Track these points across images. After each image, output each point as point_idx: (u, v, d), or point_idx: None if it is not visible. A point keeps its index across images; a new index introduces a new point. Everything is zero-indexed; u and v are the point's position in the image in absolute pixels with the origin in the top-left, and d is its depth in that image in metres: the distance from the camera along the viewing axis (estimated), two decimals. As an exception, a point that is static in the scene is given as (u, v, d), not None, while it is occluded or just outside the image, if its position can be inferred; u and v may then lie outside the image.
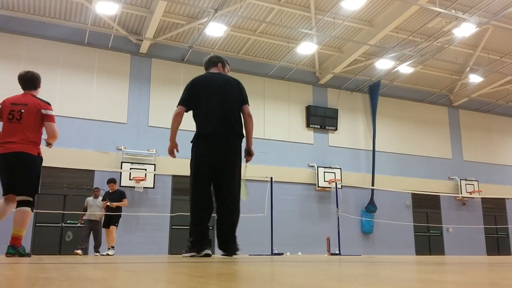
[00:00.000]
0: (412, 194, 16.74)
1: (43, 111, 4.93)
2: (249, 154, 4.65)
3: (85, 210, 10.65)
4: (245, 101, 4.56)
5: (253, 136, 4.65)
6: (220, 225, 4.39)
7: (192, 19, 13.74)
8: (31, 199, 4.78)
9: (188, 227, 4.38)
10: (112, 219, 10.13)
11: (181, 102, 4.49)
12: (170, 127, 4.57)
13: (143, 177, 13.24)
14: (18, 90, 5.13)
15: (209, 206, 4.36)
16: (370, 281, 1.31)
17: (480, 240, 18.21)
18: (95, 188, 11.09)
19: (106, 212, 10.19)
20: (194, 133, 4.41)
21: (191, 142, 4.48)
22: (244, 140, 4.57)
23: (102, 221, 10.33)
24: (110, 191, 10.41)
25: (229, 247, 4.39)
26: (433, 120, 18.65)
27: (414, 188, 16.40)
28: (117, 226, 10.25)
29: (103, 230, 10.33)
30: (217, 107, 4.37)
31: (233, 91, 4.50)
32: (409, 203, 17.12)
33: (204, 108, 4.39)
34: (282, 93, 16.08)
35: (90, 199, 10.77)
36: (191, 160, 4.45)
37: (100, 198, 10.60)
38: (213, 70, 4.67)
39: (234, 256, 4.39)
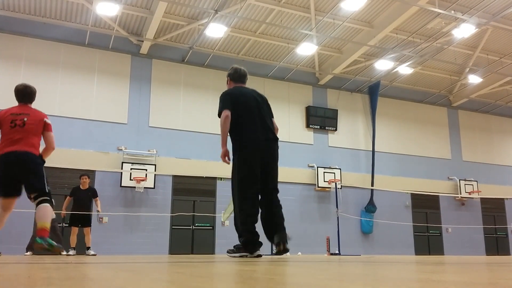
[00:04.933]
0: (411, 194, 16.77)
1: (46, 120, 5.14)
2: None
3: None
4: (273, 116, 4.93)
5: None
6: (271, 220, 4.52)
7: (192, 20, 13.77)
8: (47, 197, 4.87)
9: (239, 226, 4.53)
10: (88, 220, 9.67)
11: (226, 107, 4.61)
12: (220, 132, 4.65)
13: (144, 177, 13.26)
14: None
15: (258, 208, 4.51)
16: (370, 281, 1.31)
17: (479, 240, 18.24)
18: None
19: (72, 211, 9.59)
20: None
21: (234, 150, 4.64)
22: None
23: (69, 219, 9.74)
24: (81, 187, 9.68)
25: (284, 236, 4.45)
26: (433, 120, 18.68)
27: (413, 188, 16.42)
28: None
29: (72, 228, 9.71)
30: (258, 116, 4.67)
31: (265, 106, 4.88)
32: (408, 203, 17.15)
33: (246, 116, 4.62)
34: (282, 94, 16.11)
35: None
36: (236, 167, 4.59)
37: None
38: (243, 85, 5.03)
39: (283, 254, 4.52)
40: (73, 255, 9.23)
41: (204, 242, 13.79)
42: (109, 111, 13.64)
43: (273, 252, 4.62)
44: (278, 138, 4.81)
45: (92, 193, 9.86)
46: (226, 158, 4.60)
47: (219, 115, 4.61)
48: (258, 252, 4.32)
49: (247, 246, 4.31)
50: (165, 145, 13.94)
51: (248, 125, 4.57)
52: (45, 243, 4.66)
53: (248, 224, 4.36)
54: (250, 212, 4.41)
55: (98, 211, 10.01)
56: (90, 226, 9.86)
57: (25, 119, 5.00)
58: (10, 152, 4.82)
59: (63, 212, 9.80)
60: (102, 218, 10.28)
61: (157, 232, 13.35)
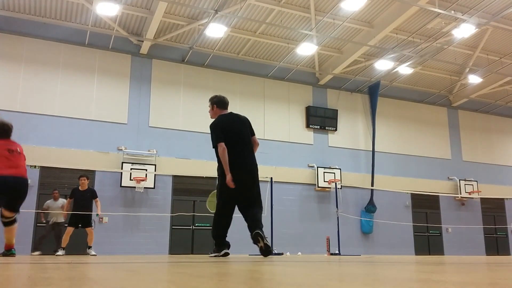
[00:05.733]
0: (411, 194, 16.76)
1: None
2: None
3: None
4: (254, 133, 5.57)
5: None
6: (253, 227, 5.18)
7: (192, 20, 13.76)
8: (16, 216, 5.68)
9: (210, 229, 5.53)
10: (89, 220, 9.57)
11: (220, 139, 5.23)
12: (223, 160, 5.22)
13: (144, 178, 13.26)
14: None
15: (230, 220, 5.40)
16: (370, 281, 1.32)
17: (479, 240, 18.24)
18: (55, 190, 11.28)
19: (71, 211, 9.51)
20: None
21: (221, 172, 5.32)
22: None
23: (68, 220, 9.73)
24: (80, 188, 9.52)
25: (261, 232, 5.08)
26: (433, 120, 18.67)
27: (413, 188, 16.42)
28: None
29: (67, 228, 9.56)
30: (242, 144, 5.34)
31: (247, 129, 5.50)
32: (408, 203, 17.15)
33: (233, 144, 5.24)
34: (282, 94, 16.11)
35: (49, 202, 10.94)
36: (222, 186, 5.31)
37: (61, 200, 10.86)
38: (226, 111, 5.54)
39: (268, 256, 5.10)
40: (62, 255, 9.13)
41: (204, 242, 13.76)
42: (109, 111, 13.63)
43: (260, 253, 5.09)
44: (257, 165, 5.50)
45: (91, 194, 9.72)
46: (231, 182, 5.28)
47: (214, 147, 5.25)
48: (225, 251, 5.24)
49: (217, 247, 5.28)
50: (165, 145, 13.93)
51: (235, 152, 5.22)
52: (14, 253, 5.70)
53: (218, 230, 5.34)
54: (224, 222, 5.34)
55: (97, 214, 9.95)
56: (91, 226, 9.81)
57: (18, 149, 5.65)
58: (9, 176, 5.38)
59: (65, 212, 9.77)
60: (102, 218, 10.24)
61: (157, 232, 13.34)
